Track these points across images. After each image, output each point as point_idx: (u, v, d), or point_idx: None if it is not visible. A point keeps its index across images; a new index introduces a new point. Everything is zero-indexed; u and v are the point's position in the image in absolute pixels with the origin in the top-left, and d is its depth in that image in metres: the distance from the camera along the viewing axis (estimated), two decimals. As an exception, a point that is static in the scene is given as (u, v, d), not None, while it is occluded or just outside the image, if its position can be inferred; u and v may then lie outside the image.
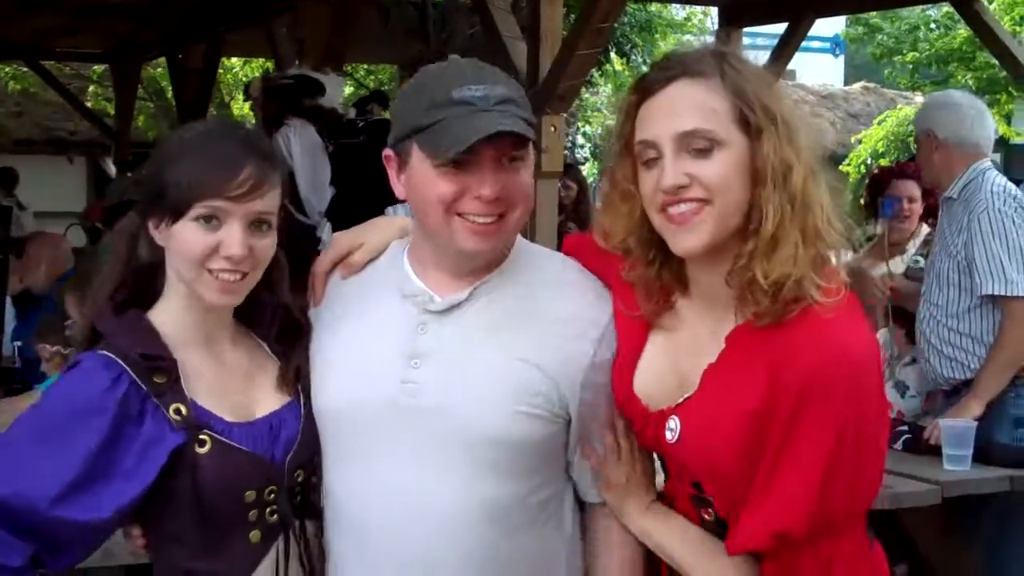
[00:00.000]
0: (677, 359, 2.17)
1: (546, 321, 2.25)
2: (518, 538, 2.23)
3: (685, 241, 2.02)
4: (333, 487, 2.29)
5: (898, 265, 6.37)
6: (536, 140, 2.20)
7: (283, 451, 2.23)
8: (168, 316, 2.22)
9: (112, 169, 16.50)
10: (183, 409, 2.13)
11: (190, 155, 2.16)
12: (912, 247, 6.58)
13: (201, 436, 2.13)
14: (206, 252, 2.14)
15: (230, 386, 2.24)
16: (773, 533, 1.97)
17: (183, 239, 2.15)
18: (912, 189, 6.56)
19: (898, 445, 4.60)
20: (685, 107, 2.00)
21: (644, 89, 2.07)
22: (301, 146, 6.94)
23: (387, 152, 2.26)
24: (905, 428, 4.70)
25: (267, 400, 2.27)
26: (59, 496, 2.02)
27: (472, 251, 2.18)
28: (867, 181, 7.54)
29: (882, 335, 5.67)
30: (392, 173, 2.26)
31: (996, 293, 4.57)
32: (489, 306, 2.25)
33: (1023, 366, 4.62)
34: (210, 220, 2.13)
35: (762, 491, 1.98)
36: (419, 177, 2.17)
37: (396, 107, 2.29)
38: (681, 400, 2.12)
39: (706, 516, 2.18)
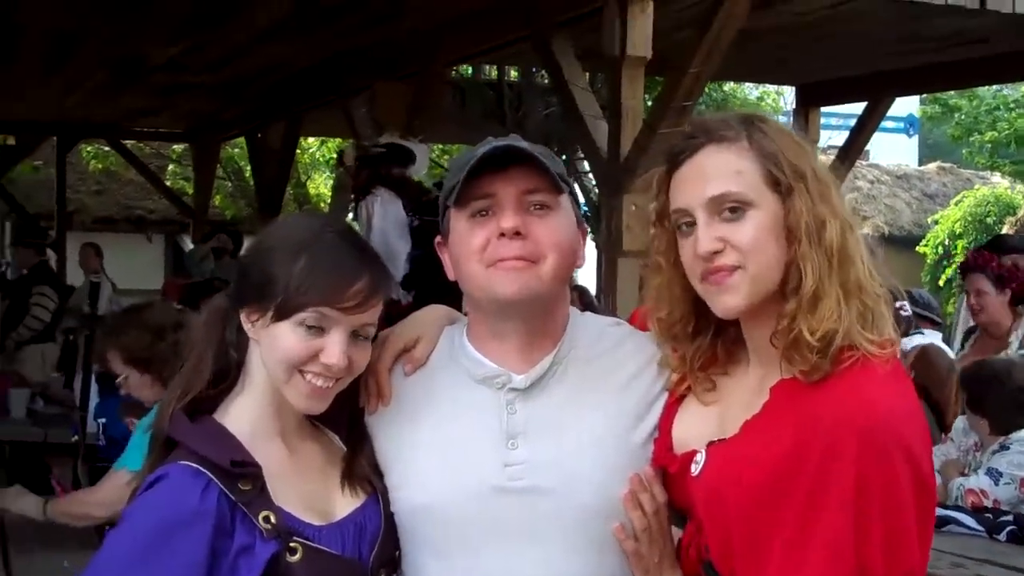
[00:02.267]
0: (722, 411, 2.14)
1: (625, 376, 2.25)
2: None
3: (724, 302, 2.01)
4: None
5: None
6: (564, 189, 2.18)
7: (368, 550, 2.15)
8: (241, 412, 2.15)
9: (190, 247, 16.72)
10: (272, 517, 2.04)
11: (305, 256, 2.10)
12: (1015, 339, 6.39)
13: (292, 544, 2.03)
14: (305, 357, 2.08)
15: (308, 484, 2.16)
16: None
17: (283, 340, 2.09)
18: (979, 282, 6.42)
19: (1002, 536, 4.41)
20: (713, 172, 2.01)
21: (673, 160, 2.09)
22: (384, 216, 6.93)
23: (437, 239, 2.30)
24: (1009, 519, 4.51)
25: (346, 497, 2.20)
26: None
27: (508, 296, 2.13)
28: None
29: (960, 421, 5.52)
30: (444, 259, 2.28)
31: None
32: (568, 373, 2.23)
33: None
34: (313, 327, 2.08)
35: (790, 557, 1.89)
36: (456, 239, 2.19)
37: (443, 187, 2.28)
38: (715, 441, 2.09)
39: None
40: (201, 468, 2.02)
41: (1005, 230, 19.06)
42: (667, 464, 2.17)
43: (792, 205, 1.98)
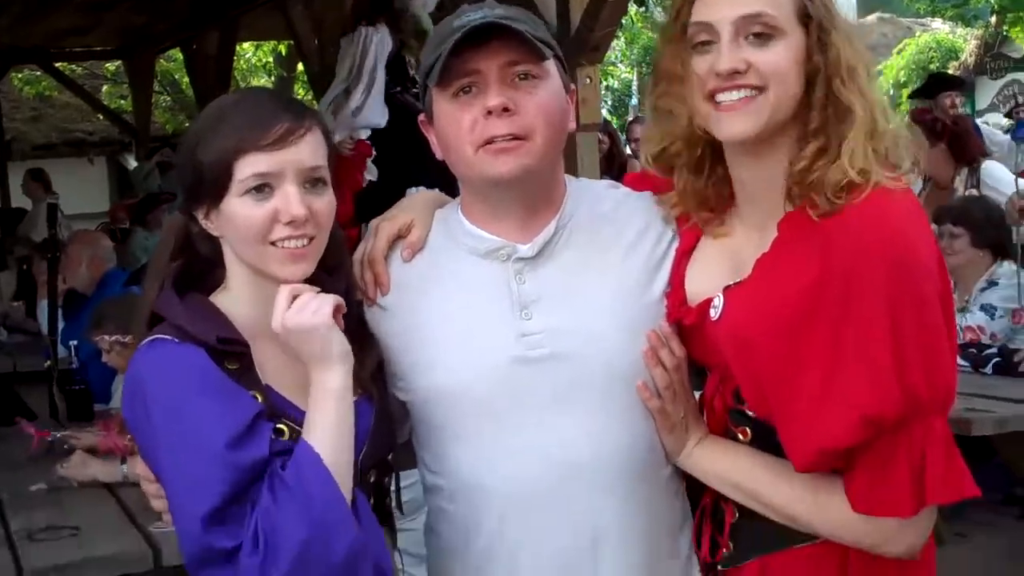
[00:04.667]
0: (733, 258, 2.12)
1: (630, 236, 2.22)
2: (662, 483, 2.21)
3: (733, 125, 1.97)
4: (458, 468, 2.18)
5: None
6: (548, 55, 2.10)
7: (356, 449, 2.05)
8: (232, 306, 2.07)
9: (133, 165, 16.48)
10: (259, 397, 1.99)
11: (216, 126, 2.02)
12: (959, 185, 6.46)
13: (279, 425, 1.98)
14: (265, 224, 1.98)
15: (300, 378, 2.06)
16: (862, 418, 1.87)
17: (238, 217, 1.99)
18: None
19: (988, 369, 4.46)
20: None
21: None
22: (380, 55, 6.47)
23: (421, 117, 2.23)
24: (994, 351, 4.56)
25: None
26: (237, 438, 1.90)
27: (500, 175, 2.08)
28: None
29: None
30: (430, 137, 2.21)
31: None
32: (573, 238, 2.19)
33: None
34: (262, 189, 1.97)
35: (829, 381, 1.89)
36: (442, 120, 2.13)
37: (421, 61, 2.22)
38: (731, 285, 2.07)
39: (741, 436, 2.12)
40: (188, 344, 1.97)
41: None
42: (683, 317, 2.15)
43: (830, 41, 1.96)
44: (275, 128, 1.98)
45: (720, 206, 2.16)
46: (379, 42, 6.33)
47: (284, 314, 1.97)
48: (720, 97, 1.98)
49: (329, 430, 1.95)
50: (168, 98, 20.07)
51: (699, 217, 2.17)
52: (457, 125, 2.09)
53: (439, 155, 2.20)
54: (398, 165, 6.60)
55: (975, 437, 3.75)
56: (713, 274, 2.13)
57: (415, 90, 6.75)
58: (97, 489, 4.01)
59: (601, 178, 8.04)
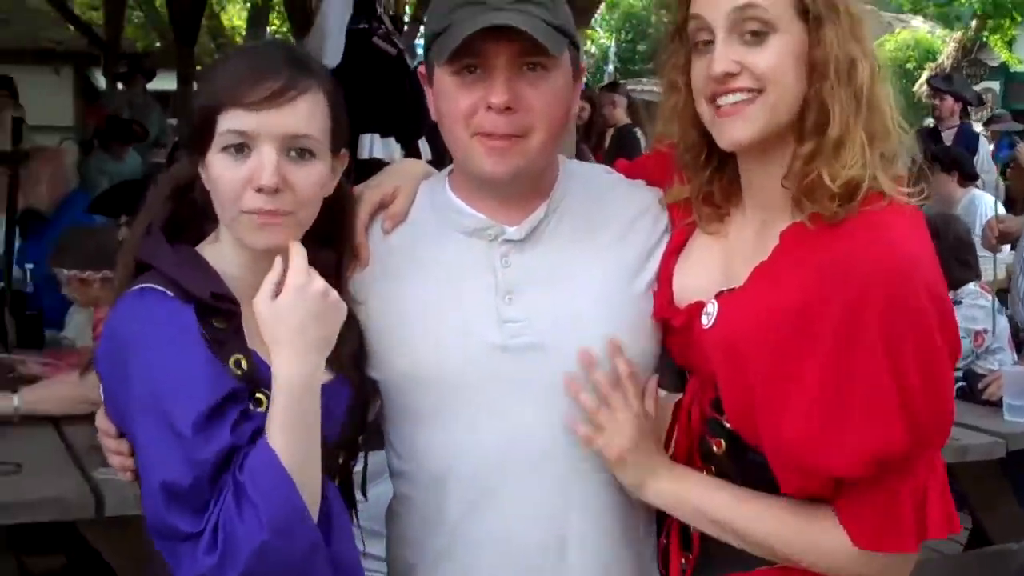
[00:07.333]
0: (725, 260, 2.06)
1: (622, 223, 2.16)
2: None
3: (733, 131, 1.91)
4: (426, 453, 2.12)
5: None
6: (562, 48, 2.01)
7: (329, 428, 1.96)
8: (219, 261, 1.98)
9: (101, 80, 16.19)
10: (243, 362, 1.90)
11: (214, 75, 1.95)
12: None
13: (258, 395, 1.88)
14: (237, 187, 1.87)
15: None
16: (873, 456, 1.82)
17: (214, 174, 1.90)
18: None
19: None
20: None
21: None
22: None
23: (420, 69, 2.16)
24: (958, 375, 4.50)
25: None
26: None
27: (491, 174, 2.02)
28: None
29: None
30: (427, 91, 2.13)
31: None
32: (563, 223, 2.13)
33: None
34: (241, 149, 1.87)
35: (830, 412, 1.83)
36: (440, 91, 2.05)
37: (426, 19, 2.14)
38: (724, 291, 2.01)
39: (716, 447, 2.05)
40: (174, 297, 1.88)
41: (925, 76, 19.18)
42: (670, 317, 2.09)
43: (822, 37, 1.88)
44: (263, 86, 1.88)
45: (725, 205, 2.10)
46: None
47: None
48: (720, 101, 1.92)
49: (292, 428, 1.82)
50: (141, 15, 19.75)
51: (699, 212, 2.10)
52: (455, 104, 2.01)
53: (433, 114, 2.12)
54: (352, 108, 6.29)
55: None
56: (703, 276, 2.07)
57: (381, 30, 6.55)
58: (42, 424, 3.78)
59: (578, 144, 7.97)
